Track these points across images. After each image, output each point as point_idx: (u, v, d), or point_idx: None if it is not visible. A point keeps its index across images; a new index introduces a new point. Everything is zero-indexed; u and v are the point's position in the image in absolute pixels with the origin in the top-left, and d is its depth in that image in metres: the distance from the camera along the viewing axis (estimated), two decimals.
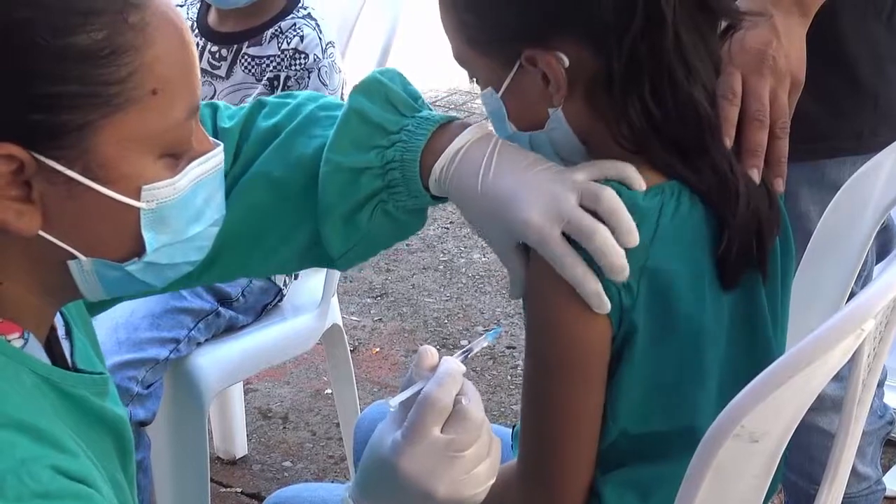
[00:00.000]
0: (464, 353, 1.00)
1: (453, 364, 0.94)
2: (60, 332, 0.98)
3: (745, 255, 1.08)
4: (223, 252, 1.08)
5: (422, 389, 0.93)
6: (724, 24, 1.10)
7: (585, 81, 1.05)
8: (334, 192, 1.09)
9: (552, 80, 1.05)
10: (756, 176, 1.11)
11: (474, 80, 1.13)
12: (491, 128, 1.13)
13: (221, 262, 1.11)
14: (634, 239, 1.01)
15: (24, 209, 0.84)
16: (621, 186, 1.04)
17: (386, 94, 1.10)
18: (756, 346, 1.12)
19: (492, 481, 0.95)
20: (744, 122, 1.13)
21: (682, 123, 1.05)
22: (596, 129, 1.07)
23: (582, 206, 1.01)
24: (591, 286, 1.01)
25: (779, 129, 1.15)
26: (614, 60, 1.02)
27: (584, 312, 1.02)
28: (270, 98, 1.19)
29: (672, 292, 1.05)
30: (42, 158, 0.83)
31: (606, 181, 1.04)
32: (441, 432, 0.92)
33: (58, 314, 0.99)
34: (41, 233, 0.86)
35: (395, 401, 0.95)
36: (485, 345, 1.04)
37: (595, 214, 1.01)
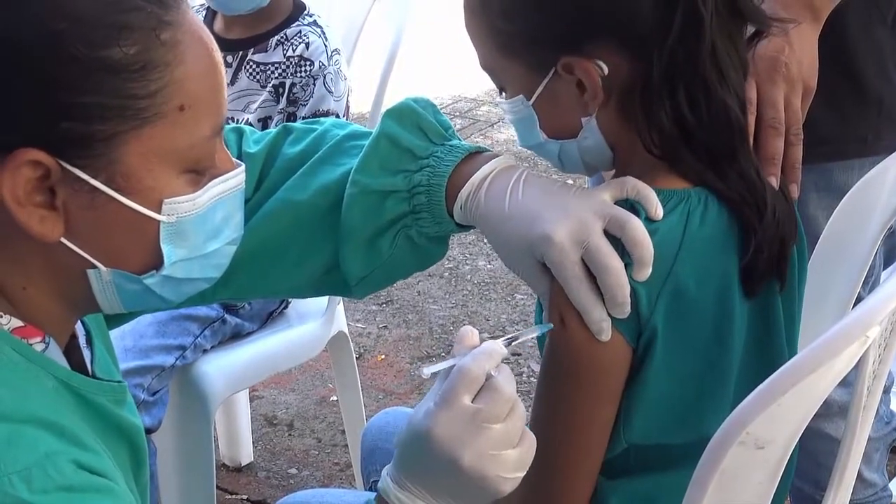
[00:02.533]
0: (509, 338, 1.00)
1: (493, 344, 0.96)
2: (81, 340, 0.99)
3: (770, 264, 1.08)
4: (239, 271, 1.09)
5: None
6: (750, 31, 1.10)
7: (619, 88, 1.05)
8: (359, 215, 1.10)
9: (589, 87, 1.05)
10: (775, 183, 1.11)
11: (501, 89, 1.13)
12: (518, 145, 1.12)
13: (236, 282, 1.12)
14: (646, 275, 1.01)
15: (48, 215, 0.86)
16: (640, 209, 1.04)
17: (417, 121, 1.11)
18: (770, 355, 1.12)
19: (520, 474, 0.95)
20: (759, 129, 1.14)
21: (714, 129, 1.05)
22: (625, 136, 1.07)
23: (607, 232, 1.01)
24: (596, 315, 1.01)
25: (793, 135, 1.16)
26: (653, 67, 1.03)
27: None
28: (297, 124, 1.20)
29: (696, 302, 1.04)
30: (68, 166, 0.85)
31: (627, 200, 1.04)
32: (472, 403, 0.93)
33: (80, 323, 1.00)
34: (63, 240, 0.87)
35: (429, 370, 0.97)
36: (533, 335, 1.03)
37: (618, 241, 1.01)
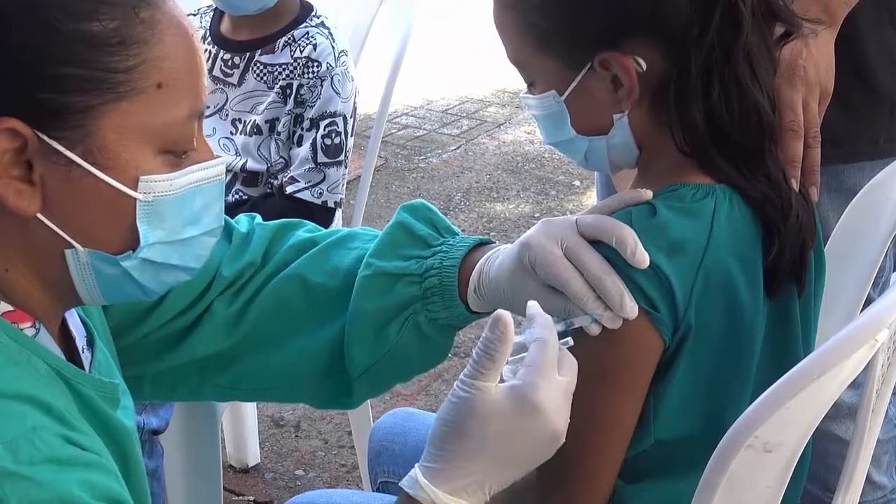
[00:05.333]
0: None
1: (549, 318, 0.96)
2: (81, 342, 0.99)
3: (792, 266, 1.08)
4: (244, 353, 1.13)
5: (524, 341, 0.95)
6: (779, 31, 1.11)
7: (654, 85, 1.05)
8: (370, 296, 1.12)
9: (626, 84, 1.05)
10: (795, 186, 1.11)
11: (530, 84, 1.13)
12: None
13: (240, 365, 1.15)
14: (642, 257, 1.00)
15: (25, 189, 0.87)
16: (659, 202, 1.04)
17: (429, 216, 1.16)
18: (785, 360, 1.11)
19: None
20: (779, 132, 1.13)
21: (745, 128, 1.05)
22: (654, 133, 1.08)
23: (584, 237, 1.03)
24: (592, 305, 1.01)
25: (811, 138, 1.16)
26: (690, 64, 1.03)
27: (632, 327, 1.02)
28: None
29: (728, 292, 1.04)
30: (45, 138, 0.86)
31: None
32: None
33: (80, 324, 1.00)
34: (39, 216, 0.88)
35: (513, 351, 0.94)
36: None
37: (599, 243, 1.02)
